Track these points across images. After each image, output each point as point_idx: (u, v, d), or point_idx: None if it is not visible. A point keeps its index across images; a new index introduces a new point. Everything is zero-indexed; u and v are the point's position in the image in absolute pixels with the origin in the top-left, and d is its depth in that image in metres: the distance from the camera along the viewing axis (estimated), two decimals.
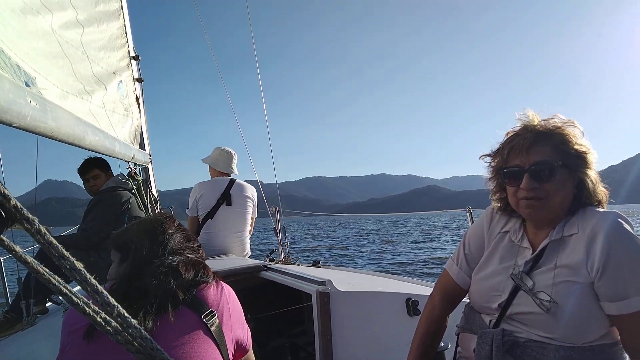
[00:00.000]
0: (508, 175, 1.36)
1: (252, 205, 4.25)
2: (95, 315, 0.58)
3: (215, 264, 3.12)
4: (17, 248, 0.52)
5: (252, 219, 4.29)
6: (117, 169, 3.54)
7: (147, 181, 4.03)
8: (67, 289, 0.56)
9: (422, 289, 2.55)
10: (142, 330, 0.62)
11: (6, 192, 0.51)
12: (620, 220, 1.22)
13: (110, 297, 0.60)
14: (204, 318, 1.21)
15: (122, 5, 3.21)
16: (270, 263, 3.30)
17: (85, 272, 0.58)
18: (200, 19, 5.32)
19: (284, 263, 4.01)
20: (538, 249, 1.34)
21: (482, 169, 1.51)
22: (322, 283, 2.27)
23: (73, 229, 3.62)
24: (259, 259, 3.85)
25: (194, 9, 5.32)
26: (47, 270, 0.55)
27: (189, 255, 1.37)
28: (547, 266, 1.30)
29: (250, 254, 4.27)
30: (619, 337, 1.25)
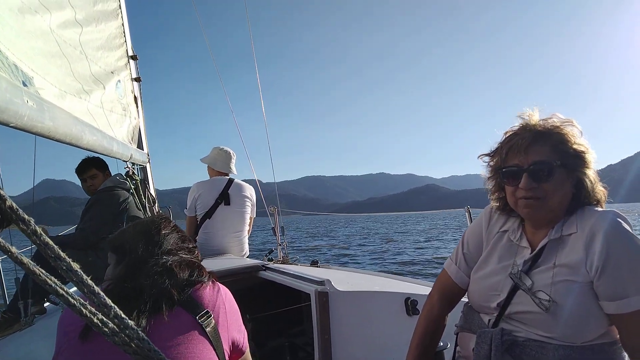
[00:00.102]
0: (507, 175, 1.36)
1: (250, 205, 4.25)
2: (92, 317, 0.58)
3: (213, 264, 3.12)
4: (13, 249, 0.52)
5: (250, 218, 4.29)
6: (115, 168, 3.54)
7: (145, 181, 4.03)
8: (63, 290, 0.56)
9: (421, 289, 2.55)
10: (140, 332, 0.62)
11: (2, 192, 0.50)
12: (619, 220, 1.22)
13: (107, 298, 0.60)
14: (199, 319, 1.20)
15: (120, 5, 3.20)
16: (269, 263, 3.30)
17: (82, 273, 0.58)
18: (199, 18, 5.31)
19: (283, 263, 4.01)
20: (537, 249, 1.34)
21: (481, 168, 1.51)
22: (321, 283, 2.27)
23: (71, 229, 3.61)
24: (257, 259, 3.85)
25: (193, 8, 5.32)
26: (44, 271, 0.55)
27: (184, 256, 1.36)
28: (546, 265, 1.31)
29: (248, 253, 4.27)
30: (618, 336, 1.25)
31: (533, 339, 1.28)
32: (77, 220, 3.18)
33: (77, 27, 2.31)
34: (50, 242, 0.55)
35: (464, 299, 1.59)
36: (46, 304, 2.94)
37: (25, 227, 0.53)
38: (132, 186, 3.41)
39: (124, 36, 3.36)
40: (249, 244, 4.37)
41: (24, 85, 1.55)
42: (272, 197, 5.23)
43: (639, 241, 1.19)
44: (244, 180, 4.35)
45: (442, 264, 1.67)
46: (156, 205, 4.04)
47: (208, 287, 1.32)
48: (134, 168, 3.63)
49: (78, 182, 3.45)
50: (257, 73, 5.24)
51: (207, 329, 1.20)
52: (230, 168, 4.19)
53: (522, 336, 1.30)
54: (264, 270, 2.97)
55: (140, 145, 3.84)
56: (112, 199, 3.15)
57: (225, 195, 4.04)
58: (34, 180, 2.93)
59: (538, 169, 1.28)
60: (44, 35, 1.90)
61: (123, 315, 0.60)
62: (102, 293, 0.60)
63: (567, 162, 1.28)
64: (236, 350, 1.36)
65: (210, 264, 3.08)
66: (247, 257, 4.16)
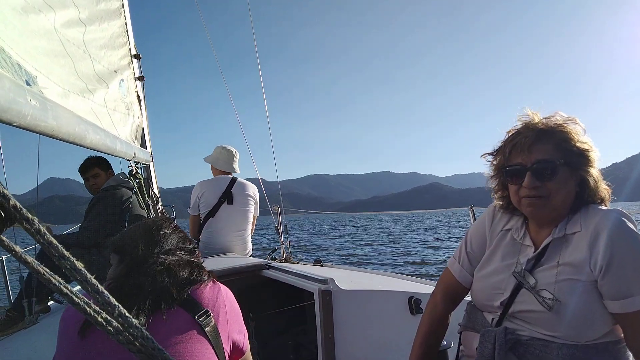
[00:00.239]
0: (510, 174, 1.36)
1: (253, 203, 4.25)
2: (96, 316, 0.58)
3: (216, 263, 3.12)
4: (17, 248, 0.52)
5: (253, 217, 4.29)
6: (118, 167, 3.55)
7: (148, 179, 4.04)
8: (67, 289, 0.56)
9: (425, 288, 2.55)
10: (143, 330, 0.62)
11: (5, 192, 0.50)
12: (624, 218, 1.22)
13: (111, 297, 0.60)
14: (198, 318, 1.20)
15: (123, 4, 3.21)
16: (272, 261, 3.30)
17: (86, 272, 0.58)
18: (201, 15, 5.32)
19: (286, 261, 4.01)
20: (540, 247, 1.34)
21: (485, 167, 1.51)
22: (325, 281, 2.27)
23: (74, 228, 3.62)
24: (261, 258, 3.85)
25: (194, 4, 5.32)
26: (48, 270, 0.55)
27: (183, 256, 1.37)
28: (549, 264, 1.30)
29: (252, 252, 4.27)
30: (622, 335, 1.25)
31: (537, 338, 1.27)
32: (81, 218, 3.19)
33: (80, 26, 2.31)
34: (54, 241, 0.55)
35: (468, 298, 1.59)
36: (50, 303, 2.95)
37: (29, 226, 0.53)
38: (136, 185, 3.42)
39: (127, 35, 3.37)
40: (254, 243, 4.37)
41: (28, 84, 1.56)
42: (276, 195, 5.23)
43: None
44: (247, 179, 4.36)
45: None
46: (159, 203, 4.04)
47: (208, 286, 1.32)
48: (137, 167, 3.64)
49: (82, 180, 3.46)
50: (259, 71, 5.24)
51: (206, 329, 1.20)
52: (232, 167, 4.19)
53: (525, 335, 1.30)
54: (267, 269, 2.97)
55: (143, 144, 3.85)
56: (115, 198, 3.16)
57: (229, 194, 4.05)
58: (37, 179, 2.94)
59: (541, 167, 1.28)
60: (48, 34, 1.91)
61: (127, 314, 0.60)
62: (106, 292, 0.60)
63: (570, 161, 1.28)
64: (236, 350, 1.35)
65: (214, 263, 3.08)
66: (251, 255, 4.16)
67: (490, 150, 1.47)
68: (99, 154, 3.20)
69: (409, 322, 2.25)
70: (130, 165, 3.51)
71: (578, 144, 1.29)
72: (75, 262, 0.57)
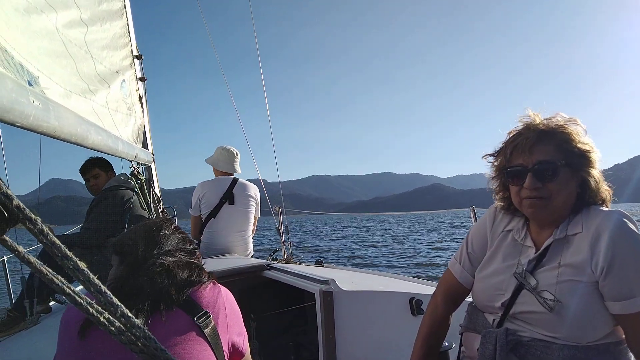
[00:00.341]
0: (511, 175, 1.36)
1: (255, 204, 4.25)
2: (98, 316, 0.58)
3: (217, 263, 3.12)
4: (20, 248, 0.52)
5: (255, 218, 4.29)
6: (120, 168, 3.55)
7: (149, 180, 4.04)
8: (70, 289, 0.56)
9: (426, 289, 2.55)
10: (146, 330, 0.62)
11: (8, 192, 0.50)
12: (625, 220, 1.22)
13: (113, 297, 0.60)
14: (198, 320, 1.20)
15: (125, 4, 3.22)
16: (273, 262, 3.30)
17: (89, 272, 0.58)
18: (202, 14, 5.32)
19: (287, 262, 4.01)
20: (542, 248, 1.34)
21: (487, 168, 1.51)
22: (326, 282, 2.27)
23: (76, 228, 3.63)
24: (262, 258, 3.85)
25: (196, 4, 5.32)
26: (50, 270, 0.55)
27: (184, 257, 1.37)
28: (550, 265, 1.30)
29: (253, 253, 4.27)
30: (624, 336, 1.24)
31: (538, 339, 1.27)
32: (83, 219, 3.19)
33: (82, 26, 2.32)
34: (57, 241, 0.55)
35: (469, 299, 1.59)
36: (51, 303, 2.95)
37: (32, 226, 0.53)
38: (137, 185, 3.42)
39: (129, 35, 3.37)
40: (256, 244, 4.37)
41: (30, 84, 1.56)
42: (277, 196, 5.23)
43: None
44: (249, 180, 4.36)
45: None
46: (161, 204, 4.05)
47: (208, 288, 1.32)
48: (138, 167, 3.65)
49: (84, 181, 3.47)
50: (260, 70, 5.25)
51: (206, 330, 1.20)
52: (233, 168, 4.19)
53: (527, 336, 1.30)
54: (269, 269, 2.97)
55: (144, 145, 3.86)
56: (116, 198, 3.17)
57: (230, 195, 4.05)
58: (39, 180, 2.94)
59: (542, 168, 1.28)
60: (50, 34, 1.91)
61: (130, 314, 0.61)
62: (108, 292, 0.60)
63: (571, 162, 1.28)
64: (236, 352, 1.35)
65: (215, 264, 3.08)
66: (252, 256, 4.16)
67: (491, 151, 1.48)
68: (100, 155, 3.21)
69: (410, 323, 2.25)
70: (132, 166, 3.52)
71: (579, 145, 1.29)
72: (78, 262, 0.57)
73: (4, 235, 0.53)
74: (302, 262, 4.16)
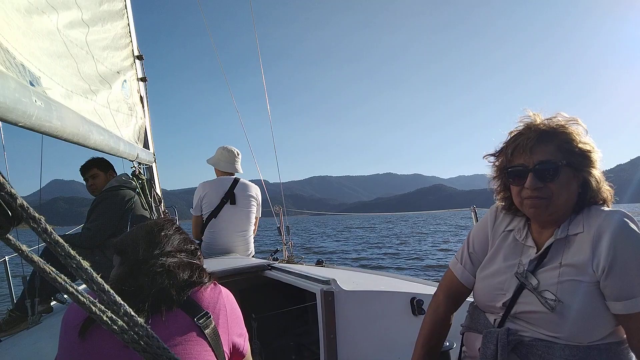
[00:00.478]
0: (512, 175, 1.36)
1: (256, 204, 4.26)
2: (101, 314, 0.58)
3: (219, 263, 3.13)
4: (24, 247, 0.53)
5: (256, 218, 4.30)
6: (121, 168, 3.55)
7: (151, 180, 4.04)
8: (73, 287, 0.56)
9: (427, 289, 2.55)
10: (149, 329, 0.62)
11: (12, 191, 0.51)
12: (627, 220, 1.22)
13: (116, 296, 0.60)
14: (198, 320, 1.20)
15: (126, 5, 3.22)
16: (274, 262, 3.30)
17: (92, 271, 0.58)
18: (204, 18, 5.33)
19: (288, 262, 4.01)
20: (543, 248, 1.34)
21: (488, 168, 1.51)
22: (327, 282, 2.27)
23: (77, 228, 3.63)
24: (263, 259, 3.85)
25: (198, 6, 5.32)
26: (54, 269, 0.55)
27: (185, 258, 1.37)
28: (552, 265, 1.30)
29: (254, 253, 4.28)
30: (625, 336, 1.24)
31: (539, 339, 1.27)
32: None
33: (83, 27, 2.32)
34: (61, 240, 0.55)
35: (470, 299, 1.59)
36: (53, 303, 2.96)
37: (35, 226, 0.54)
38: (138, 186, 3.42)
39: (130, 36, 3.37)
40: (258, 245, 4.37)
41: (32, 85, 1.56)
42: (279, 197, 5.24)
43: None
44: (251, 181, 4.36)
45: None
46: (162, 204, 4.05)
47: (209, 288, 1.32)
48: (140, 168, 3.65)
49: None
50: (262, 71, 5.25)
51: (206, 331, 1.20)
52: (235, 168, 4.20)
53: (528, 336, 1.30)
54: (270, 269, 2.97)
55: (146, 145, 3.86)
56: (117, 199, 3.17)
57: (231, 195, 4.05)
58: (40, 180, 2.94)
59: (543, 168, 1.28)
60: (51, 35, 1.91)
61: (132, 313, 0.61)
62: (111, 291, 0.60)
63: (572, 162, 1.28)
64: (237, 352, 1.35)
65: (216, 263, 3.08)
66: (253, 256, 4.16)
67: (492, 151, 1.48)
68: (101, 155, 3.21)
69: (411, 323, 2.25)
70: (133, 166, 3.52)
71: (580, 145, 1.29)
72: (82, 261, 0.57)
73: (8, 235, 0.53)
74: (303, 262, 4.16)
